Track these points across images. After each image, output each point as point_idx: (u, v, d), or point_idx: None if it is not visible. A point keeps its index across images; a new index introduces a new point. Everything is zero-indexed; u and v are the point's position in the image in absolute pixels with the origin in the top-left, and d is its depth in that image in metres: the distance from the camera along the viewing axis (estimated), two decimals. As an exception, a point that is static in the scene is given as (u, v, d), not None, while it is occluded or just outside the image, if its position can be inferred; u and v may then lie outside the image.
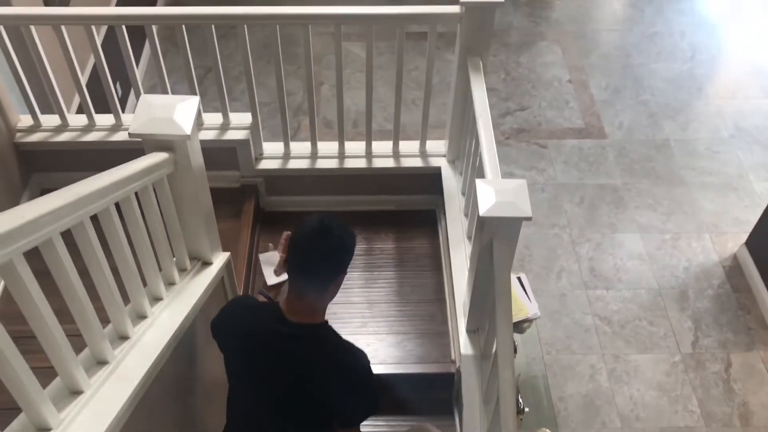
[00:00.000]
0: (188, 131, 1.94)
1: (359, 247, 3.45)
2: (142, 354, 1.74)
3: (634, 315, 4.27)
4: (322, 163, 3.30)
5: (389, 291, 3.22)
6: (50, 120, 3.17)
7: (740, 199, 4.84)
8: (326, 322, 2.00)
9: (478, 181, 2.28)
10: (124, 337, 1.78)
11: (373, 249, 3.41)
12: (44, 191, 3.32)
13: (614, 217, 4.76)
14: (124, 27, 2.83)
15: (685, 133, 5.30)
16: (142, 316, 1.88)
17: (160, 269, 2.06)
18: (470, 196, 2.90)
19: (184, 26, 2.90)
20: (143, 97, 2.03)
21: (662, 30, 6.14)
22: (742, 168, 5.04)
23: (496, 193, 2.24)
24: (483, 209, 2.21)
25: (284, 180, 3.40)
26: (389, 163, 3.31)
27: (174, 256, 2.17)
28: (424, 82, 3.08)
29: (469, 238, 2.94)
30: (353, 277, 3.31)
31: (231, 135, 3.20)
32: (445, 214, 3.29)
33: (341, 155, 3.31)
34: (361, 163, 3.30)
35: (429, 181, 3.38)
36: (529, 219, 2.25)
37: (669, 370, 4.02)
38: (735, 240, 4.60)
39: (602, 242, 4.63)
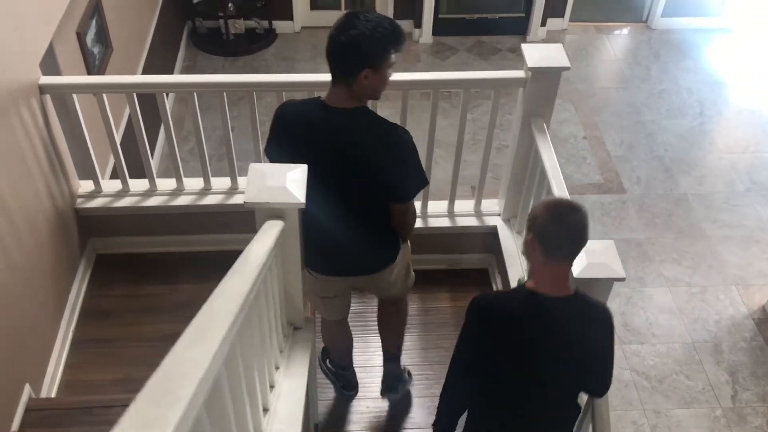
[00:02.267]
0: (302, 199, 1.96)
1: (414, 307, 3.45)
2: (287, 426, 1.71)
3: (670, 369, 4.29)
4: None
5: (450, 352, 3.20)
6: (111, 185, 3.17)
7: (763, 251, 4.94)
8: (365, 106, 2.20)
9: (568, 244, 2.32)
10: (264, 409, 1.75)
11: (428, 309, 3.40)
12: (99, 256, 3.29)
13: (641, 271, 4.82)
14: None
15: (701, 187, 5.42)
16: (270, 386, 1.86)
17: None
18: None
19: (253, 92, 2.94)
20: (252, 165, 2.05)
21: (669, 87, 6.34)
22: (761, 220, 5.15)
23: (587, 254, 2.28)
24: (576, 271, 2.24)
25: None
26: (445, 222, 3.34)
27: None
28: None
29: (535, 297, 2.96)
30: (413, 338, 3.30)
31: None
32: (500, 272, 3.31)
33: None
34: (417, 223, 3.32)
35: (482, 239, 3.41)
36: (622, 279, 2.29)
37: (711, 426, 4.03)
38: (762, 292, 4.67)
39: (632, 296, 4.68)
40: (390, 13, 6.81)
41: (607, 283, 2.28)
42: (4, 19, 2.47)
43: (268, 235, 1.81)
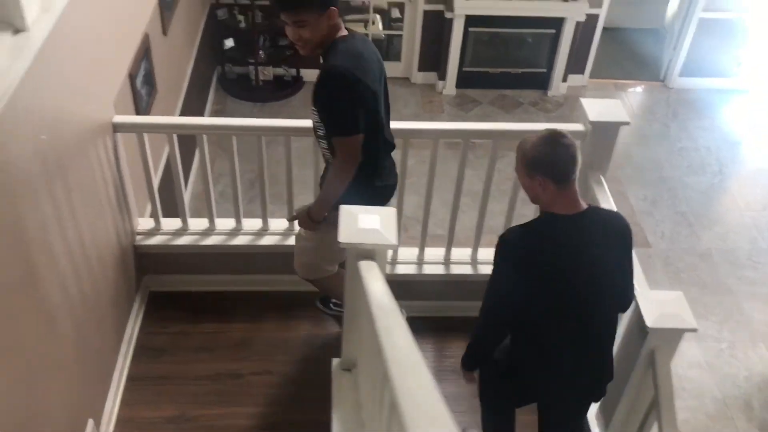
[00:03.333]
0: (395, 241, 2.01)
1: (445, 354, 3.42)
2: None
3: (703, 425, 4.29)
4: (400, 269, 3.35)
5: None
6: (170, 223, 3.21)
7: (789, 309, 4.99)
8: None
9: (640, 293, 2.37)
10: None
11: (450, 356, 3.37)
12: (153, 294, 3.31)
13: (670, 324, 4.85)
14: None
15: (725, 243, 5.50)
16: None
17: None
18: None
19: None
20: (343, 207, 2.11)
21: (688, 145, 6.48)
22: (785, 278, 5.22)
23: (659, 304, 2.33)
24: (650, 321, 2.29)
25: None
26: (467, 270, 3.36)
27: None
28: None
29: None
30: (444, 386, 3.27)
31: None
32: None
33: (420, 261, 3.37)
34: (439, 270, 3.37)
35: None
36: (694, 330, 2.33)
37: (746, 483, 4.02)
38: (790, 350, 4.71)
39: (662, 350, 4.69)
40: (415, 65, 6.98)
41: (677, 334, 2.32)
42: (87, 61, 2.55)
43: (375, 275, 1.86)
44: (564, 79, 6.95)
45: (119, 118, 2.82)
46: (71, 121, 2.40)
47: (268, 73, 6.77)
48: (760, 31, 6.83)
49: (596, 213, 2.24)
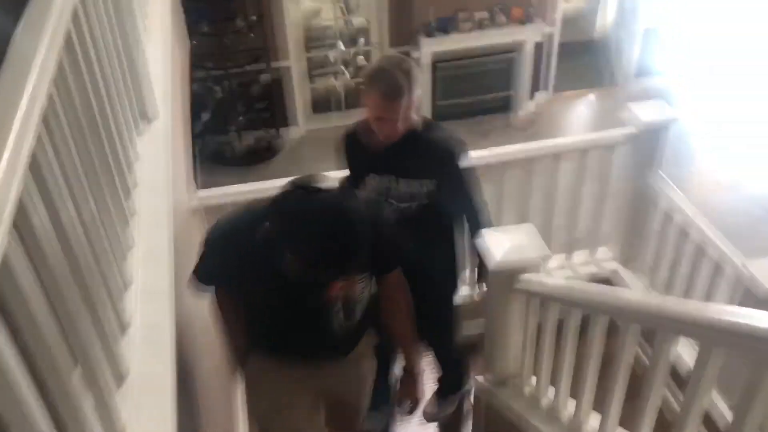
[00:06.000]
0: (548, 250, 2.10)
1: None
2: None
3: None
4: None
5: None
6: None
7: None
8: None
9: None
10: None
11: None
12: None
13: None
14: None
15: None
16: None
17: None
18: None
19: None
20: (484, 232, 2.19)
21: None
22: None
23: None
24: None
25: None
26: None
27: None
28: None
29: None
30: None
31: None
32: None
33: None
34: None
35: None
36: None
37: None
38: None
39: None
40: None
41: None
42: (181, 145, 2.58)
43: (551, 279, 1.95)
44: (531, 98, 7.25)
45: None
46: (183, 205, 2.43)
47: (247, 137, 6.79)
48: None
49: None
